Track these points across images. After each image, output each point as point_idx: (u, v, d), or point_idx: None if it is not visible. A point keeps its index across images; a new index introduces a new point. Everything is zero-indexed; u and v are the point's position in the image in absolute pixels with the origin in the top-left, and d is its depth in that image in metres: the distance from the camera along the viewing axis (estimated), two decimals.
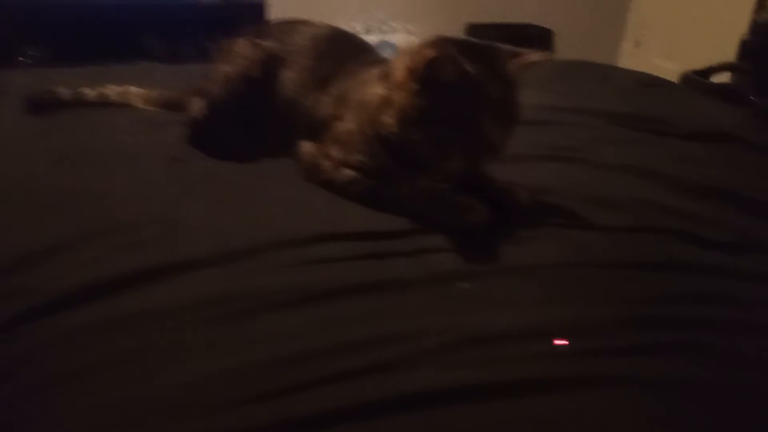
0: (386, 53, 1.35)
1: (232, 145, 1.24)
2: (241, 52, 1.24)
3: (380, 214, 1.01)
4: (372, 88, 1.05)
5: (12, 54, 2.70)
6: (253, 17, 2.84)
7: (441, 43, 0.97)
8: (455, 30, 3.34)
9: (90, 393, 0.69)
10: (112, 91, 1.48)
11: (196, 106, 1.29)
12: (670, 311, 0.85)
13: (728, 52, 2.61)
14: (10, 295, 0.82)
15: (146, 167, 1.15)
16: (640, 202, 1.10)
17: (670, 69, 2.92)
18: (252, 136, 1.24)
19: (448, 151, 0.96)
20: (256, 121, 1.23)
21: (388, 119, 1.00)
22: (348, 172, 1.07)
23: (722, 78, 2.54)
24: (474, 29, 3.48)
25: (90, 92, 1.46)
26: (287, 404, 0.66)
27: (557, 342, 0.76)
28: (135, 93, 1.48)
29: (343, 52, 1.20)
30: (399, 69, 0.98)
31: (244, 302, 0.80)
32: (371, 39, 2.98)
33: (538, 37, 3.58)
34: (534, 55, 0.99)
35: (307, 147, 1.15)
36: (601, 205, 1.08)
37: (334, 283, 0.83)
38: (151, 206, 1.01)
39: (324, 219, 0.99)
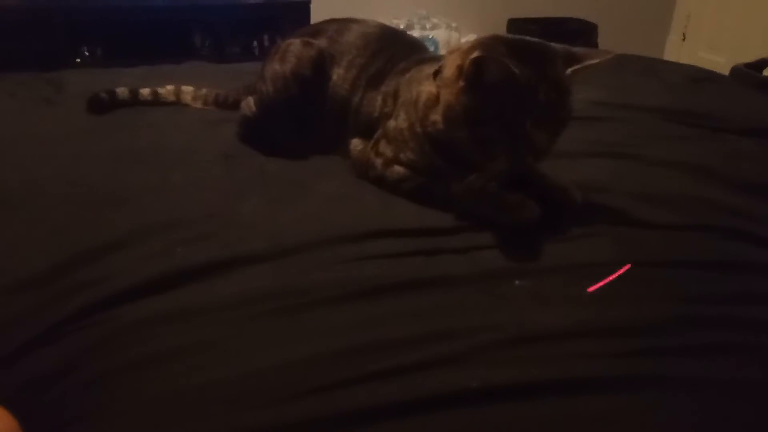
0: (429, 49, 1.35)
1: (284, 143, 1.27)
2: (293, 51, 1.26)
3: (430, 211, 1.02)
4: (422, 86, 1.06)
5: (68, 55, 2.80)
6: (298, 16, 2.88)
7: (491, 42, 0.97)
8: (497, 25, 3.32)
9: (156, 382, 0.72)
10: (165, 90, 1.52)
11: (249, 105, 1.32)
12: (722, 311, 0.84)
13: None
14: (77, 288, 0.85)
15: (202, 165, 1.18)
16: (693, 199, 1.09)
17: (716, 62, 2.85)
18: (303, 133, 1.26)
19: (493, 152, 0.95)
20: (307, 119, 1.25)
21: (436, 117, 1.01)
22: (398, 170, 1.08)
23: None
24: (515, 24, 3.46)
25: (145, 92, 1.51)
26: (343, 397, 0.68)
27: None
28: (187, 92, 1.53)
29: (393, 50, 1.22)
30: (449, 67, 0.99)
31: (299, 297, 0.82)
32: (413, 35, 2.97)
33: (581, 31, 3.53)
34: (595, 57, 0.95)
35: (358, 144, 1.17)
36: (654, 202, 1.06)
37: (386, 278, 0.85)
38: (207, 203, 1.04)
39: (375, 215, 1.00)
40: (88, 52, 2.90)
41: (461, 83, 0.93)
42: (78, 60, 2.86)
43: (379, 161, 1.10)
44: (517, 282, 0.86)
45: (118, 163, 1.18)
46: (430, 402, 0.67)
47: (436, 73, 1.02)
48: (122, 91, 1.48)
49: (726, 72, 2.20)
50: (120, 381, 0.73)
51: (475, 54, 0.90)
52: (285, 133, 1.28)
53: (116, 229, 0.97)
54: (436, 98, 1.01)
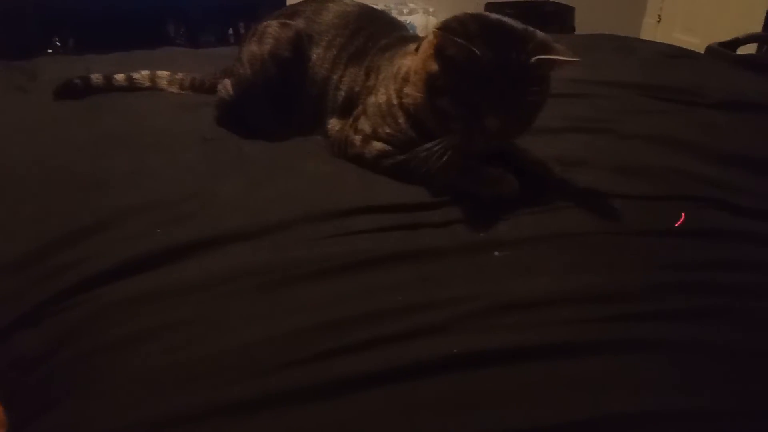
0: None
1: (262, 125, 1.26)
2: (271, 33, 1.24)
3: (411, 187, 1.02)
4: (404, 60, 1.06)
5: (39, 46, 2.75)
6: (275, 2, 2.85)
7: (467, 18, 0.97)
8: (474, 8, 3.31)
9: (140, 360, 0.72)
10: (141, 75, 1.50)
11: (226, 87, 1.31)
12: (700, 277, 0.86)
13: (751, 26, 2.57)
14: (59, 270, 0.85)
15: (180, 148, 1.17)
16: (669, 170, 1.10)
17: (692, 43, 2.88)
18: (282, 115, 1.26)
19: (448, 125, 0.96)
20: (285, 100, 1.25)
21: (408, 90, 1.01)
22: (377, 145, 1.08)
23: (748, 50, 2.49)
24: (493, 7, 3.46)
25: (120, 77, 1.49)
26: (327, 368, 0.69)
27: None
28: (163, 77, 1.51)
29: (373, 28, 1.21)
30: (425, 42, 0.99)
31: (282, 273, 0.82)
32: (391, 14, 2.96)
33: (558, 13, 3.54)
34: (564, 57, 0.93)
35: (336, 124, 1.17)
36: (631, 174, 1.08)
37: (367, 253, 0.85)
38: (187, 184, 1.03)
39: (356, 193, 1.01)
40: (59, 42, 2.85)
41: (433, 60, 0.94)
42: (49, 51, 2.81)
43: (357, 138, 1.10)
44: (496, 253, 0.87)
45: (96, 148, 1.17)
46: (412, 370, 0.68)
47: (415, 50, 1.02)
48: (97, 78, 1.46)
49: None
50: (104, 360, 0.73)
51: (438, 26, 0.91)
52: (263, 115, 1.27)
53: (96, 211, 0.96)
54: (410, 73, 1.01)
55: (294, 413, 0.64)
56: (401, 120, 1.05)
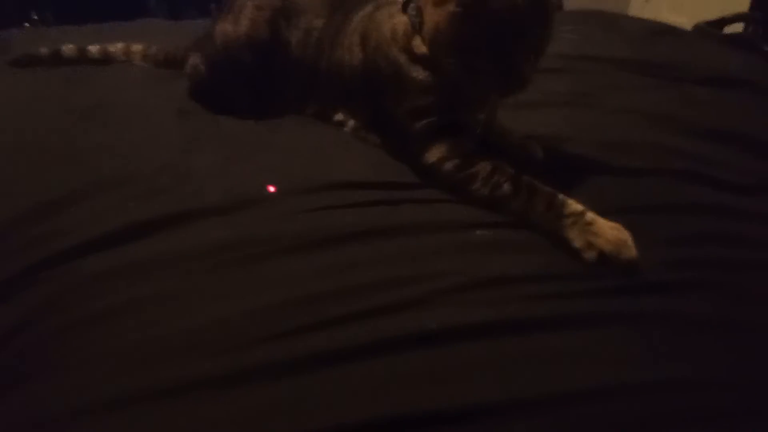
0: None
1: (237, 105, 1.22)
2: (246, 14, 1.19)
3: (393, 164, 1.00)
4: (394, 20, 1.02)
5: (16, 20, 2.69)
6: None
7: None
8: None
9: (114, 335, 0.71)
10: (115, 48, 1.46)
11: (196, 66, 1.27)
12: (683, 251, 0.85)
13: (738, 5, 2.56)
14: (31, 243, 0.83)
15: (156, 120, 1.15)
16: (653, 145, 1.10)
17: (679, 23, 2.86)
18: (258, 96, 1.22)
19: (481, 81, 0.91)
20: (261, 82, 1.21)
21: (417, 41, 0.97)
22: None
23: (735, 29, 2.49)
24: None
25: (93, 49, 1.45)
26: (305, 342, 0.68)
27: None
28: (137, 51, 1.47)
29: (350, 3, 1.16)
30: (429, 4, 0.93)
31: (258, 247, 0.81)
32: None
33: None
34: None
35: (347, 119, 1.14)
36: (615, 149, 1.07)
37: (348, 227, 0.84)
38: (162, 157, 1.01)
39: (336, 168, 0.99)
40: (37, 16, 2.79)
41: (454, 8, 0.88)
42: (27, 24, 2.75)
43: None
44: (478, 232, 0.86)
45: (69, 120, 1.14)
46: (390, 344, 0.67)
47: (406, 5, 0.99)
48: (69, 49, 1.42)
49: None
50: (77, 334, 0.72)
51: None
52: (238, 96, 1.23)
53: (68, 184, 0.94)
54: (413, 26, 0.97)
55: (271, 388, 0.63)
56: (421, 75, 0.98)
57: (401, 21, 1.00)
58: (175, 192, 0.92)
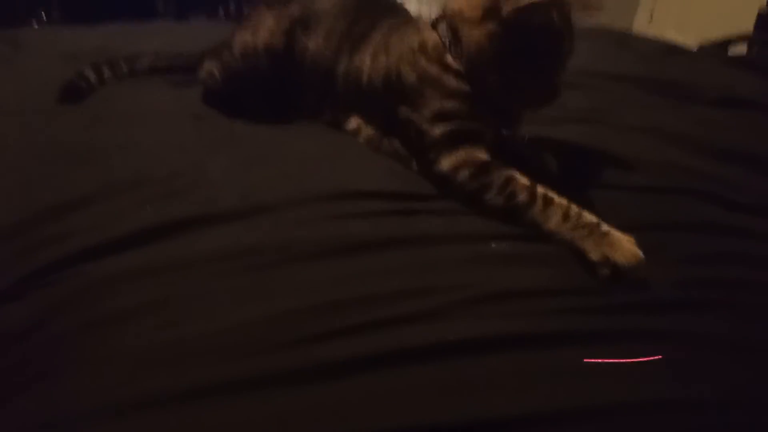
0: None
1: (250, 110, 1.22)
2: (266, 23, 1.20)
3: (410, 175, 1.00)
4: (423, 34, 1.02)
5: (24, 19, 2.69)
6: None
7: None
8: None
9: (127, 337, 0.70)
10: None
11: (211, 73, 1.27)
12: (697, 270, 0.85)
13: (743, 25, 2.58)
14: (44, 244, 0.82)
15: (171, 124, 1.15)
16: (665, 164, 1.10)
17: (683, 41, 2.88)
18: (273, 104, 1.22)
19: (521, 96, 0.95)
20: (278, 91, 1.21)
21: (449, 60, 0.98)
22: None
23: (740, 49, 2.51)
24: None
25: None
26: (319, 350, 0.67)
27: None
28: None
29: (373, 12, 1.17)
30: (470, 7, 0.94)
31: (273, 254, 0.80)
32: None
33: None
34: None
35: (361, 125, 1.14)
36: (628, 166, 1.07)
37: (364, 236, 0.84)
38: (178, 161, 1.01)
39: (353, 176, 0.99)
40: (44, 15, 2.80)
41: (495, 27, 0.91)
42: (35, 25, 2.76)
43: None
44: (493, 245, 0.86)
45: (84, 121, 1.14)
46: (406, 355, 0.67)
47: (436, 22, 1.00)
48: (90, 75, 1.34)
49: None
50: (91, 336, 0.71)
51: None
52: (253, 104, 1.24)
53: (83, 185, 0.94)
54: (444, 44, 0.99)
55: (284, 395, 0.63)
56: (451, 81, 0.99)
57: (431, 36, 1.01)
58: (190, 196, 0.91)
